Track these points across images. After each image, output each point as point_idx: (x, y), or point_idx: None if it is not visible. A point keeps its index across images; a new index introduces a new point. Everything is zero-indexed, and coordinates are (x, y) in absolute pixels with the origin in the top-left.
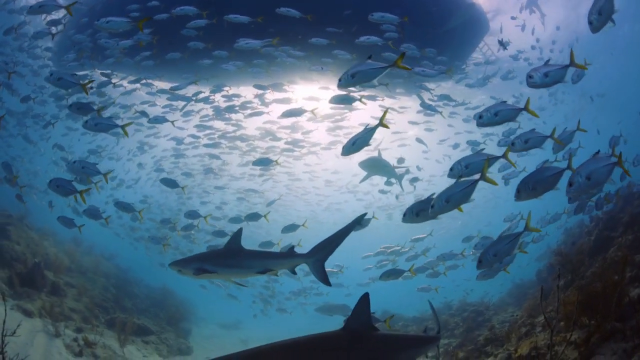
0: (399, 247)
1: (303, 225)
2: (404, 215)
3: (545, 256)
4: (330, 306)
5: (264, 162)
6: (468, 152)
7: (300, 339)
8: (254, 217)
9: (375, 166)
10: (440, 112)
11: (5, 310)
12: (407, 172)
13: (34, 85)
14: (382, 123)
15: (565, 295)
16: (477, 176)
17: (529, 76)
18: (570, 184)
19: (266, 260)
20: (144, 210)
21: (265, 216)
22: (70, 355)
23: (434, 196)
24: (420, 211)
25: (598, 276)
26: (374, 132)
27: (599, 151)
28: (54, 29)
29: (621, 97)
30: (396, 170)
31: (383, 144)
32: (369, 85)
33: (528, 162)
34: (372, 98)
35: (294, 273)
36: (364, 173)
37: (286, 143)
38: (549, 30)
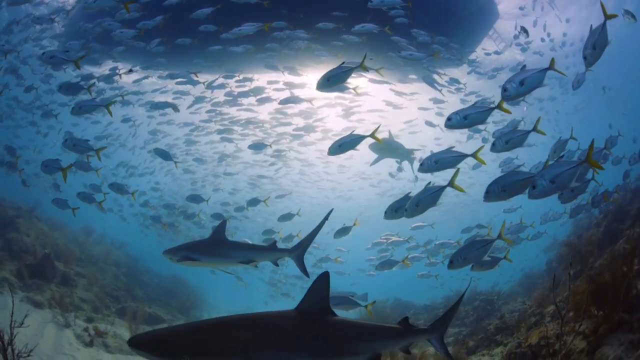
0: (400, 238)
1: (297, 214)
2: (385, 212)
3: (551, 247)
4: (337, 295)
5: (259, 147)
6: (478, 140)
7: (248, 316)
8: (253, 202)
9: (386, 148)
10: (440, 90)
11: (13, 301)
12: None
13: (41, 74)
14: (373, 136)
15: (574, 286)
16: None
17: (504, 89)
18: (533, 187)
19: (247, 252)
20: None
21: (264, 201)
22: (80, 345)
23: (410, 195)
24: (398, 209)
25: (607, 267)
26: (362, 140)
27: (563, 155)
28: (54, 16)
29: (630, 90)
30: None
31: (393, 131)
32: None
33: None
34: (382, 82)
35: (276, 265)
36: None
37: (295, 130)
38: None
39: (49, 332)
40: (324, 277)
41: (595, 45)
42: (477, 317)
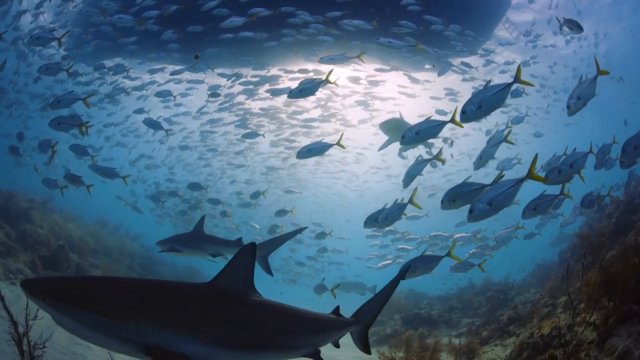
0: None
1: (291, 211)
2: (365, 222)
3: (558, 241)
4: (347, 284)
5: (252, 136)
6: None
7: (157, 282)
8: (255, 195)
9: (398, 129)
10: (433, 65)
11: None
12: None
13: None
14: (339, 144)
15: (586, 277)
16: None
17: (462, 112)
18: (470, 211)
19: (219, 246)
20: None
21: (263, 193)
22: None
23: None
24: (376, 219)
25: (618, 258)
26: (330, 147)
27: (503, 175)
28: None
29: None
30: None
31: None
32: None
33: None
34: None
35: None
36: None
37: (305, 120)
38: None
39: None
40: (249, 250)
41: (581, 96)
42: (490, 308)
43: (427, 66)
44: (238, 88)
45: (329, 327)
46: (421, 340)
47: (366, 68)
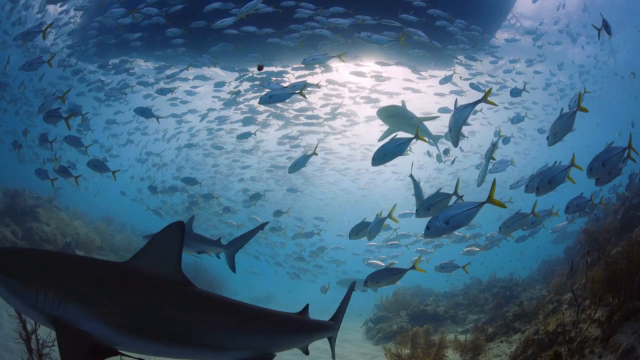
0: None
1: (286, 212)
2: (350, 235)
3: (559, 239)
4: (347, 280)
5: (245, 136)
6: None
7: (80, 257)
8: (255, 197)
9: (398, 117)
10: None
11: None
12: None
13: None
14: (313, 152)
15: (591, 273)
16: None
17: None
18: (427, 228)
19: (201, 244)
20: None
21: (262, 195)
22: None
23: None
24: (360, 231)
25: (623, 255)
26: (309, 158)
27: (462, 197)
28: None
29: None
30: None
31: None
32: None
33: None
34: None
35: (218, 257)
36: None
37: (307, 117)
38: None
39: None
40: (174, 230)
41: (558, 131)
42: (496, 304)
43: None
44: (244, 85)
45: (287, 328)
46: (427, 336)
47: (373, 65)
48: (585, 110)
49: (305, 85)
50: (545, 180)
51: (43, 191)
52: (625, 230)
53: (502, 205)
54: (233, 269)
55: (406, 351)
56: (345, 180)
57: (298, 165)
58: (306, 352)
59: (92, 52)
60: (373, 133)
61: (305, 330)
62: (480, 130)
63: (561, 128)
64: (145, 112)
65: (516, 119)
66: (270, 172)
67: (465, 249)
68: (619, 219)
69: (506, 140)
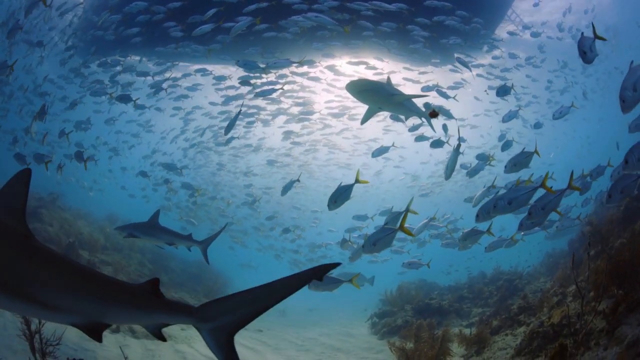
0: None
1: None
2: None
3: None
4: (345, 275)
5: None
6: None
7: None
8: (252, 202)
9: (373, 93)
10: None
11: None
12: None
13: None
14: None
15: (595, 265)
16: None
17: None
18: (362, 246)
19: (171, 237)
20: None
21: (258, 200)
22: (106, 331)
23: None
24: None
25: (626, 246)
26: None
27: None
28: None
29: None
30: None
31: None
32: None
33: None
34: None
35: (189, 250)
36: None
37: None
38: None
39: None
40: (22, 176)
41: (516, 164)
42: (500, 297)
43: (434, 60)
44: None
45: (125, 300)
46: (430, 330)
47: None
48: (538, 155)
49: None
50: (505, 201)
51: (45, 191)
52: (628, 222)
53: (410, 234)
54: (207, 261)
55: (410, 345)
56: (348, 175)
57: (284, 190)
58: (160, 337)
59: (91, 50)
60: (374, 129)
61: (148, 308)
62: (481, 124)
63: (519, 163)
64: (124, 99)
65: (507, 117)
66: (272, 165)
67: (445, 241)
68: (622, 210)
69: (510, 116)
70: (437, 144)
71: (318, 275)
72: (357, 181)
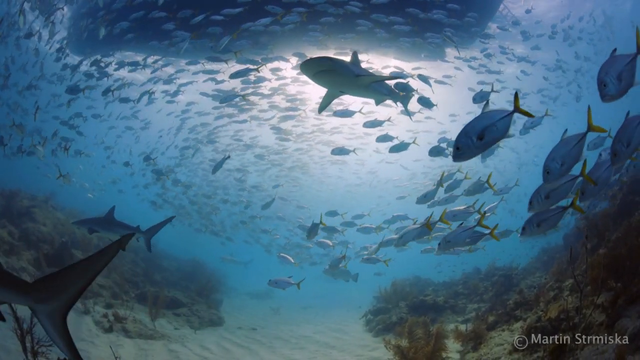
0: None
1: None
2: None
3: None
4: (332, 271)
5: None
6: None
7: None
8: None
9: (333, 74)
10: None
11: None
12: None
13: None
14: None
15: (591, 259)
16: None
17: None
18: (328, 267)
19: (123, 229)
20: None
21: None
22: (99, 331)
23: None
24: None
25: (622, 240)
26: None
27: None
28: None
29: None
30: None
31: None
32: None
33: None
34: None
35: (137, 240)
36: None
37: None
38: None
39: (68, 320)
40: None
41: (471, 190)
42: (496, 293)
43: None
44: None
45: None
46: (425, 326)
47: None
48: (494, 190)
49: None
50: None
51: (39, 191)
52: (623, 215)
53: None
54: (149, 250)
55: (406, 342)
56: (344, 170)
57: (268, 204)
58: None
59: (85, 43)
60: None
61: None
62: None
63: (474, 189)
64: (73, 90)
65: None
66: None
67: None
68: (618, 204)
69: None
70: (399, 147)
71: (123, 245)
72: (320, 223)
